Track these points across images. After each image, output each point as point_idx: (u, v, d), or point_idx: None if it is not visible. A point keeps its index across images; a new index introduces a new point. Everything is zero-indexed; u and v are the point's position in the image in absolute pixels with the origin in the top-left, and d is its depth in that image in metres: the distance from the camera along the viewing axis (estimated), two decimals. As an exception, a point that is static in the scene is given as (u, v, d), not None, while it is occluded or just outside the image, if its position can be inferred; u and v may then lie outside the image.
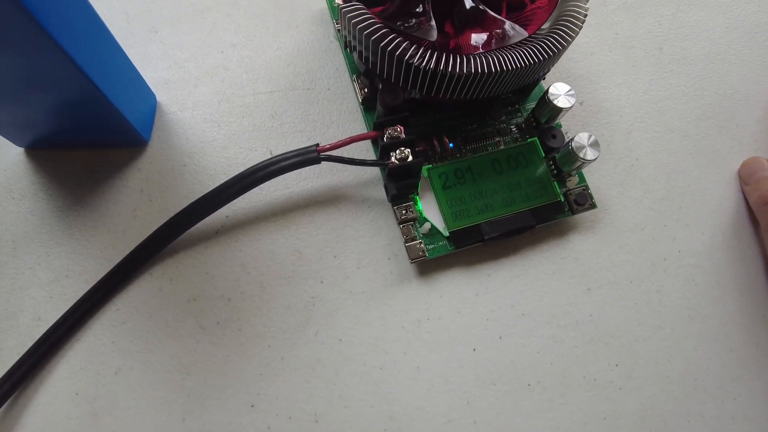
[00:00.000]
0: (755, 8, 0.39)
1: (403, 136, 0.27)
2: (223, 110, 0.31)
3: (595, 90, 0.35)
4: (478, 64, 0.24)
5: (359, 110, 0.31)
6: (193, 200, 0.28)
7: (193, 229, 0.29)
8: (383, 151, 0.28)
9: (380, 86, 0.27)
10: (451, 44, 0.26)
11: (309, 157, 0.27)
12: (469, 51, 0.26)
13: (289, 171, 0.28)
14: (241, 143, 0.31)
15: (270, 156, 0.30)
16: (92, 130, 0.29)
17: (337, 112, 0.31)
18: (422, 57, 0.24)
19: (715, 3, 0.39)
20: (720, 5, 0.39)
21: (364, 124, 0.30)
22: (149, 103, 0.31)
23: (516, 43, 0.26)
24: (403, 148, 0.27)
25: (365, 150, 0.31)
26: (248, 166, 0.28)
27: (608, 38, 0.36)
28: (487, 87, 0.25)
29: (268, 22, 0.34)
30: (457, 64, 0.24)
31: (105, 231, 0.29)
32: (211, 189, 0.28)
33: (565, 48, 0.26)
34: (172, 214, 0.28)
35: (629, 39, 0.37)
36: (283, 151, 0.30)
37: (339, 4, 0.25)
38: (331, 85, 0.32)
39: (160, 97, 0.32)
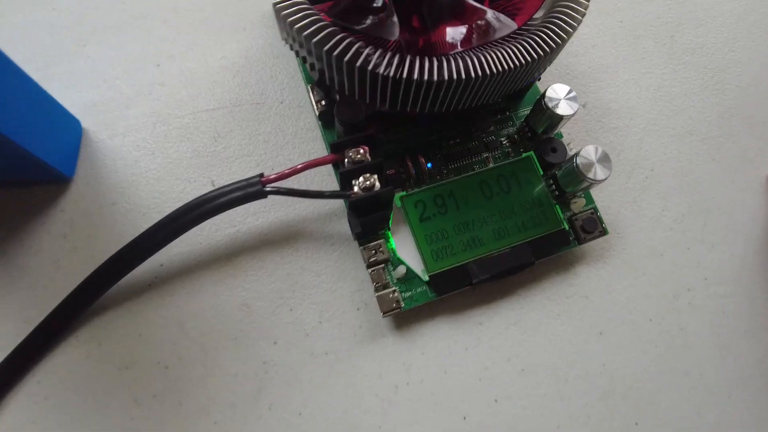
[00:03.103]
0: (778, -15, 0.31)
1: (369, 158, 0.20)
2: (158, 134, 0.24)
3: (600, 89, 0.27)
4: (454, 68, 0.17)
5: (318, 126, 0.24)
6: (123, 245, 0.22)
7: (123, 281, 0.22)
8: (344, 179, 0.20)
9: (337, 98, 0.20)
10: (420, 42, 0.19)
11: (251, 191, 0.20)
12: (443, 50, 0.19)
13: (228, 209, 0.21)
14: (178, 173, 0.24)
15: (211, 188, 0.23)
16: (0, 170, 0.22)
17: (293, 129, 0.24)
18: (380, 62, 0.16)
19: (733, -19, 0.31)
20: (738, -16, 0.31)
21: (324, 144, 0.23)
22: (72, 133, 0.24)
23: (503, 38, 0.19)
24: (368, 175, 0.20)
25: (326, 175, 0.24)
26: (187, 200, 0.21)
27: (612, 27, 0.29)
28: (468, 96, 0.18)
29: (212, 26, 0.27)
30: (426, 69, 0.16)
31: (23, 287, 0.22)
32: (142, 231, 0.21)
33: (564, 43, 0.19)
34: (100, 263, 0.22)
35: (636, 27, 0.29)
36: (227, 181, 0.23)
37: (275, 2, 0.18)
38: (285, 97, 0.25)
39: (87, 122, 0.25)
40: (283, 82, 0.25)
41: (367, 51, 0.16)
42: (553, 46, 0.18)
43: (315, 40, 0.16)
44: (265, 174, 0.21)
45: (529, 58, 0.17)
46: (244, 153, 0.24)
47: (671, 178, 0.26)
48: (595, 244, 0.24)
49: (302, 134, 0.24)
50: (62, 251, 0.23)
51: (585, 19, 0.28)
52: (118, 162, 0.24)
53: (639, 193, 0.25)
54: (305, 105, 0.25)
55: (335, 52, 0.16)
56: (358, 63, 0.16)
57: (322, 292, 0.22)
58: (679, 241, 0.25)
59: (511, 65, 0.17)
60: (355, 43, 0.16)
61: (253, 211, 0.23)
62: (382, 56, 0.16)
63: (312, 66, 0.18)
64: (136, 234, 0.21)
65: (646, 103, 0.27)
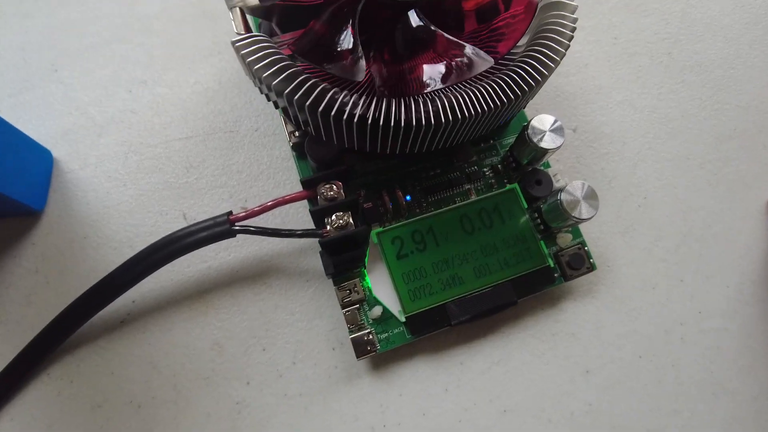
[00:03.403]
0: (783, -3, 0.30)
1: (342, 195, 0.19)
2: (130, 165, 0.23)
3: (591, 111, 0.26)
4: (430, 110, 0.15)
5: (293, 157, 0.23)
6: (97, 280, 0.21)
7: (96, 317, 0.21)
8: (316, 217, 0.19)
9: (310, 131, 0.19)
10: (394, 81, 0.17)
11: (218, 231, 0.19)
12: (419, 89, 0.17)
13: (197, 248, 0.20)
14: (149, 206, 0.23)
15: (183, 221, 0.23)
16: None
17: (267, 158, 0.23)
18: (346, 105, 0.15)
19: (734, -6, 0.29)
20: (739, -4, 0.29)
21: (298, 176, 0.22)
22: (42, 165, 0.23)
23: (484, 73, 0.18)
24: (341, 213, 0.19)
25: (302, 207, 0.23)
26: (158, 234, 0.21)
27: (606, 44, 0.27)
28: (445, 137, 0.17)
29: (186, 50, 0.25)
30: (396, 113, 0.15)
31: (-6, 320, 0.22)
32: (116, 266, 0.21)
33: (550, 74, 0.18)
34: (73, 299, 0.21)
35: (631, 44, 0.28)
36: (200, 214, 0.22)
37: (233, 40, 0.16)
38: (260, 124, 0.24)
39: (58, 151, 0.24)
40: (258, 108, 0.24)
41: (331, 93, 0.15)
42: (539, 79, 0.17)
43: (275, 82, 0.15)
44: (235, 210, 0.20)
45: (512, 96, 0.16)
46: (217, 184, 0.23)
47: (666, 206, 0.25)
48: (582, 279, 0.23)
49: (277, 164, 0.23)
50: (34, 286, 0.22)
51: (577, 36, 0.27)
52: (89, 194, 0.23)
53: (631, 222, 0.24)
54: (281, 132, 0.24)
55: (296, 96, 0.15)
56: (321, 108, 0.15)
57: (296, 331, 0.21)
58: (673, 273, 0.24)
59: (491, 105, 0.16)
60: (319, 85, 0.15)
61: (225, 246, 0.22)
62: (349, 98, 0.15)
63: (276, 104, 0.17)
64: (108, 269, 0.21)
65: (640, 125, 0.26)
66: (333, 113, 0.15)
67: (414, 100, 0.16)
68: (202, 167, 0.23)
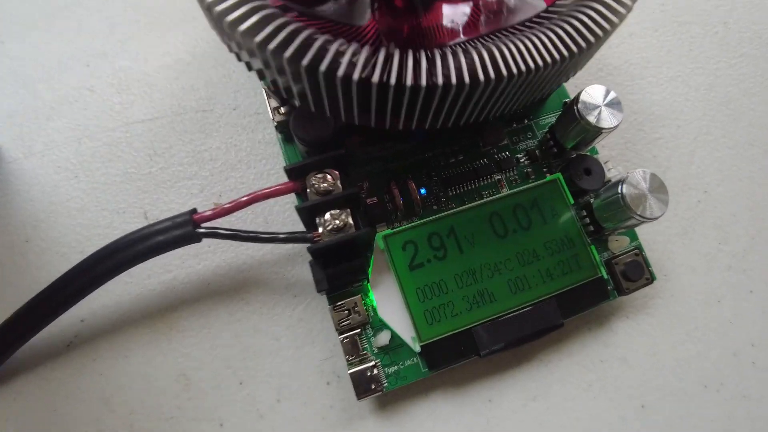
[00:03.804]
0: None
1: (339, 188, 0.15)
2: (83, 153, 0.19)
3: (640, 88, 0.21)
4: (453, 67, 0.11)
5: (278, 139, 0.18)
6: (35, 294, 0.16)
7: (36, 339, 0.17)
8: (304, 216, 0.15)
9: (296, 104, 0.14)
10: (404, 29, 0.13)
11: (179, 234, 0.15)
12: (440, 40, 0.13)
13: (152, 257, 0.15)
14: (105, 202, 0.18)
15: (144, 221, 0.18)
16: None
17: (248, 143, 0.19)
18: (341, 56, 0.11)
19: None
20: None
21: (284, 164, 0.18)
22: (-24, 152, 0.19)
23: (522, 23, 0.13)
24: (337, 211, 0.15)
25: (289, 205, 0.18)
26: (114, 237, 0.16)
27: (653, 12, 0.23)
28: (474, 108, 0.12)
29: (153, 16, 0.21)
30: (411, 70, 0.11)
31: None
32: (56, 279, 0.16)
33: (613, 29, 0.13)
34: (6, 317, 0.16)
35: (681, 11, 0.23)
36: (163, 213, 0.18)
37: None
38: (239, 102, 0.19)
39: (2, 137, 0.19)
40: (238, 83, 0.19)
41: (322, 42, 0.11)
42: (600, 33, 0.12)
43: (243, 27, 0.11)
44: (206, 207, 0.15)
45: (566, 52, 0.12)
46: (186, 175, 0.18)
47: (730, 202, 0.20)
48: (637, 292, 0.18)
49: (260, 149, 0.18)
50: (-39, 300, 0.18)
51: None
52: (33, 188, 0.19)
53: (690, 222, 0.20)
54: (264, 112, 0.19)
55: (271, 45, 0.10)
56: (306, 61, 0.10)
57: (281, 360, 0.17)
58: (740, 282, 0.19)
59: (541, 62, 0.11)
60: (303, 31, 0.11)
61: (193, 252, 0.17)
62: (346, 47, 0.11)
63: (261, 74, 0.13)
64: (53, 279, 0.16)
65: (696, 106, 0.21)
66: (323, 68, 0.10)
67: (439, 52, 0.11)
68: (168, 155, 0.19)
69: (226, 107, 0.19)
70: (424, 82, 0.10)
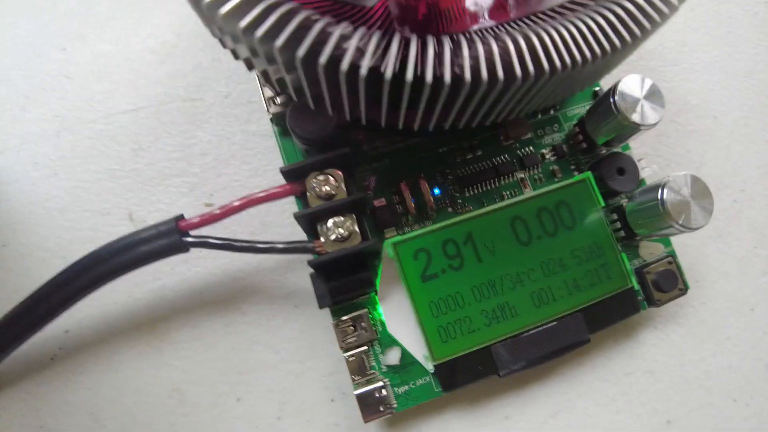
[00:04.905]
0: None
1: (344, 191, 0.13)
2: (62, 147, 0.17)
3: (674, 75, 0.19)
4: (484, 59, 0.09)
5: (274, 132, 0.16)
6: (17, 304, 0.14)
7: (18, 353, 0.15)
8: (304, 224, 0.13)
9: (291, 101, 0.12)
10: (420, 11, 0.10)
11: (163, 244, 0.13)
12: (461, 24, 0.10)
13: (136, 267, 0.13)
14: (87, 202, 0.16)
15: (129, 222, 0.16)
16: None
17: (241, 136, 0.16)
18: (346, 41, 0.08)
19: None
20: None
21: (282, 161, 0.15)
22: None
23: (562, 5, 0.11)
24: (341, 219, 0.13)
25: (289, 207, 0.16)
26: (98, 241, 0.14)
27: (689, -13, 0.20)
28: (503, 107, 0.10)
29: (137, -10, 0.18)
30: (429, 61, 0.08)
31: None
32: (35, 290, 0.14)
33: (668, 16, 0.11)
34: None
35: (720, -12, 0.20)
36: (150, 214, 0.16)
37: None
38: (232, 89, 0.17)
39: (-29, 128, 0.17)
40: (230, 68, 0.17)
41: (321, 26, 0.08)
42: (656, 18, 0.10)
43: (244, 22, 0.08)
44: (197, 209, 0.13)
45: (617, 41, 0.09)
46: (174, 172, 0.16)
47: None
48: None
49: (255, 143, 0.16)
50: (-65, 307, 0.16)
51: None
52: (10, 186, 0.17)
53: (725, 223, 0.18)
54: (259, 100, 0.17)
55: (259, 31, 0.08)
56: (302, 52, 0.08)
57: (281, 375, 0.15)
58: (776, 288, 0.17)
59: (589, 54, 0.09)
60: (300, 13, 0.08)
61: (184, 258, 0.15)
62: (351, 30, 0.08)
63: (249, 64, 0.10)
64: (34, 287, 0.14)
65: (734, 95, 0.19)
66: (324, 58, 0.08)
67: (465, 38, 0.09)
68: (154, 149, 0.16)
69: (217, 95, 0.17)
70: (448, 75, 0.08)
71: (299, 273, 0.15)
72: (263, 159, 0.16)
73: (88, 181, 0.16)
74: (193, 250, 0.15)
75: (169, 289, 0.15)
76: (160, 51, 0.17)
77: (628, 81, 0.13)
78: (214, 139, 0.16)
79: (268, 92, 0.14)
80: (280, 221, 0.15)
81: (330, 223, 0.12)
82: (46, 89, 0.17)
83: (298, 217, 0.12)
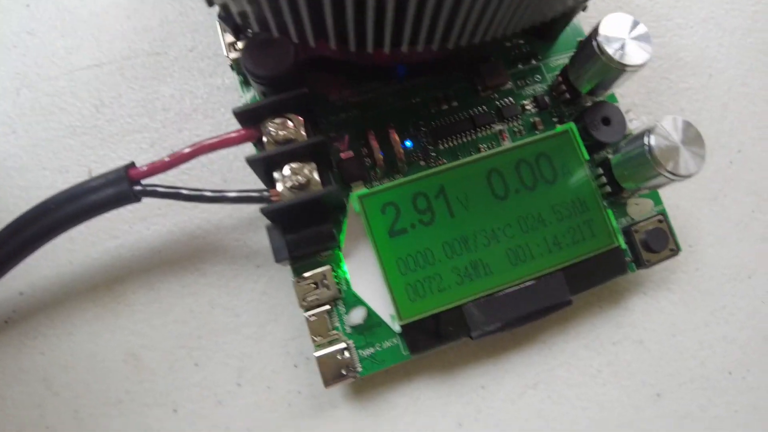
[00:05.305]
0: None
1: (303, 135, 0.12)
2: (22, 105, 0.16)
3: (666, 30, 0.18)
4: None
5: (238, 84, 0.15)
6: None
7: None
8: (259, 170, 0.12)
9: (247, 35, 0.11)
10: None
11: (112, 193, 0.12)
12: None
13: (86, 219, 0.12)
14: (46, 160, 0.15)
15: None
16: None
17: (205, 90, 0.15)
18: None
19: None
20: None
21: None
22: None
23: None
24: (298, 165, 0.12)
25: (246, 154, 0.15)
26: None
27: (684, -60, 0.19)
28: (468, 12, 0.09)
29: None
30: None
31: None
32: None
33: None
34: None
35: (717, -58, 0.19)
36: (110, 169, 0.15)
37: None
38: (197, 42, 0.16)
39: (-74, 86, 0.16)
40: (197, 20, 0.16)
41: None
42: None
43: None
44: (140, 163, 0.12)
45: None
46: (136, 127, 0.15)
47: (767, 164, 0.17)
48: (658, 265, 0.15)
49: (218, 97, 0.15)
50: None
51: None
52: (-33, 142, 0.16)
53: (721, 185, 0.16)
54: (224, 53, 0.16)
55: None
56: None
57: (241, 339, 0.14)
58: (776, 256, 0.16)
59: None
60: None
61: (141, 215, 0.14)
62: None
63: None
64: None
65: (731, 53, 0.18)
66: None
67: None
68: (116, 105, 0.15)
69: (182, 48, 0.16)
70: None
71: (262, 232, 0.14)
72: (226, 113, 0.15)
73: (48, 138, 0.16)
74: (152, 206, 0.14)
75: (127, 248, 0.14)
76: (126, 5, 0.16)
77: (613, 18, 0.12)
78: (177, 93, 0.15)
79: (229, 38, 0.13)
80: (241, 177, 0.14)
81: (287, 169, 0.11)
82: (8, 46, 0.17)
83: (252, 162, 0.11)
